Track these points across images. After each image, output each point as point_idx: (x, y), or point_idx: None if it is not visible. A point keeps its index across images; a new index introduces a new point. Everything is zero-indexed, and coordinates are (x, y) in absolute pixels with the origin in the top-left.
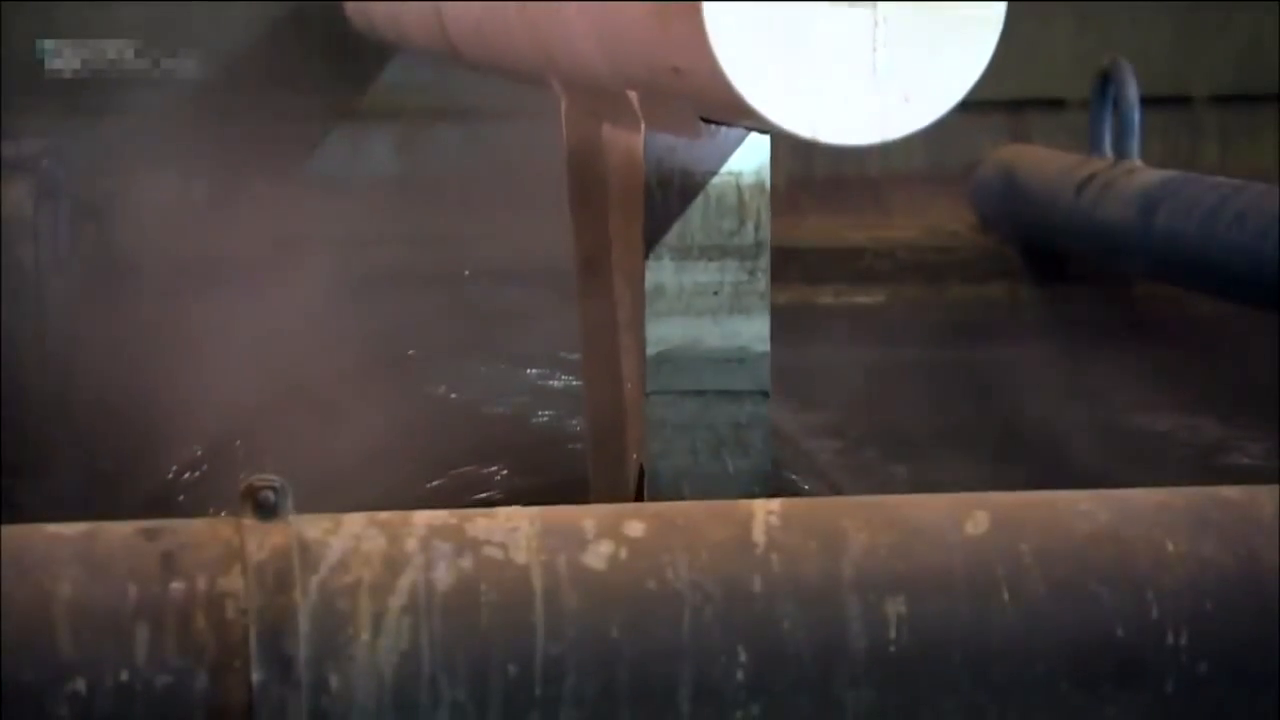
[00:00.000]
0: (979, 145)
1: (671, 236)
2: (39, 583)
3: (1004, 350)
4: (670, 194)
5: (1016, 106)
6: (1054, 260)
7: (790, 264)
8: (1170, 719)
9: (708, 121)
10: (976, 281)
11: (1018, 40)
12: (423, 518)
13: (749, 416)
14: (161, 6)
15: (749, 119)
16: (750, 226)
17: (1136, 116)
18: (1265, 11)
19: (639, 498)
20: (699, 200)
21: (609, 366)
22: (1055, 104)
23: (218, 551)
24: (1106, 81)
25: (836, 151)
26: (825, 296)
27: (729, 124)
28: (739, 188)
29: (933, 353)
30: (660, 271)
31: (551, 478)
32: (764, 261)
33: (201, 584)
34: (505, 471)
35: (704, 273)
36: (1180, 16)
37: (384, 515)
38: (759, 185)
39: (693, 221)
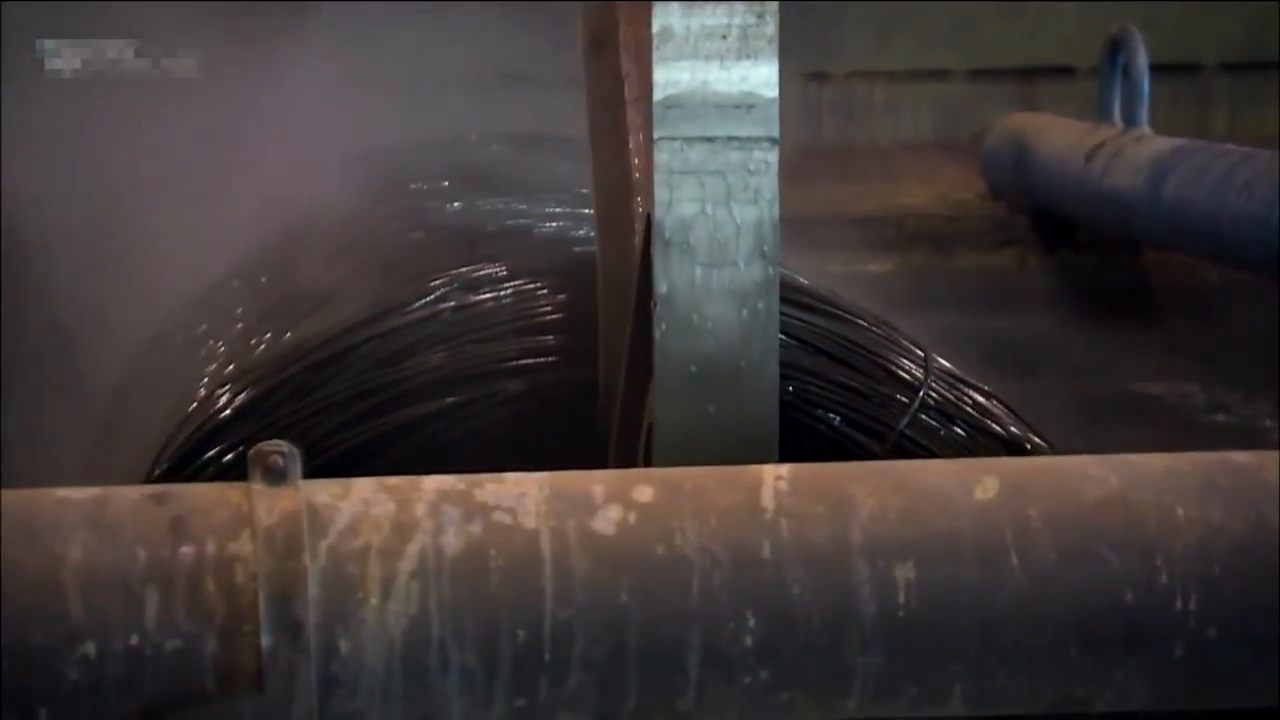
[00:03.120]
0: (988, 113)
1: None
2: (48, 547)
3: (1013, 318)
4: None
5: (1026, 74)
6: (1063, 228)
7: (798, 233)
8: (1179, 683)
9: None
10: (986, 250)
11: (1028, 8)
12: (431, 483)
13: (758, 164)
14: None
15: None
16: None
17: (1146, 84)
18: None
19: (644, 253)
20: None
21: (616, 143)
22: (1065, 72)
23: (227, 516)
24: (1116, 49)
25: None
26: (834, 265)
27: None
28: None
29: (939, 320)
30: (667, 15)
31: (554, 264)
32: (772, 5)
33: (211, 548)
34: (505, 269)
35: (711, 15)
36: None
37: (393, 480)
38: None
39: None
